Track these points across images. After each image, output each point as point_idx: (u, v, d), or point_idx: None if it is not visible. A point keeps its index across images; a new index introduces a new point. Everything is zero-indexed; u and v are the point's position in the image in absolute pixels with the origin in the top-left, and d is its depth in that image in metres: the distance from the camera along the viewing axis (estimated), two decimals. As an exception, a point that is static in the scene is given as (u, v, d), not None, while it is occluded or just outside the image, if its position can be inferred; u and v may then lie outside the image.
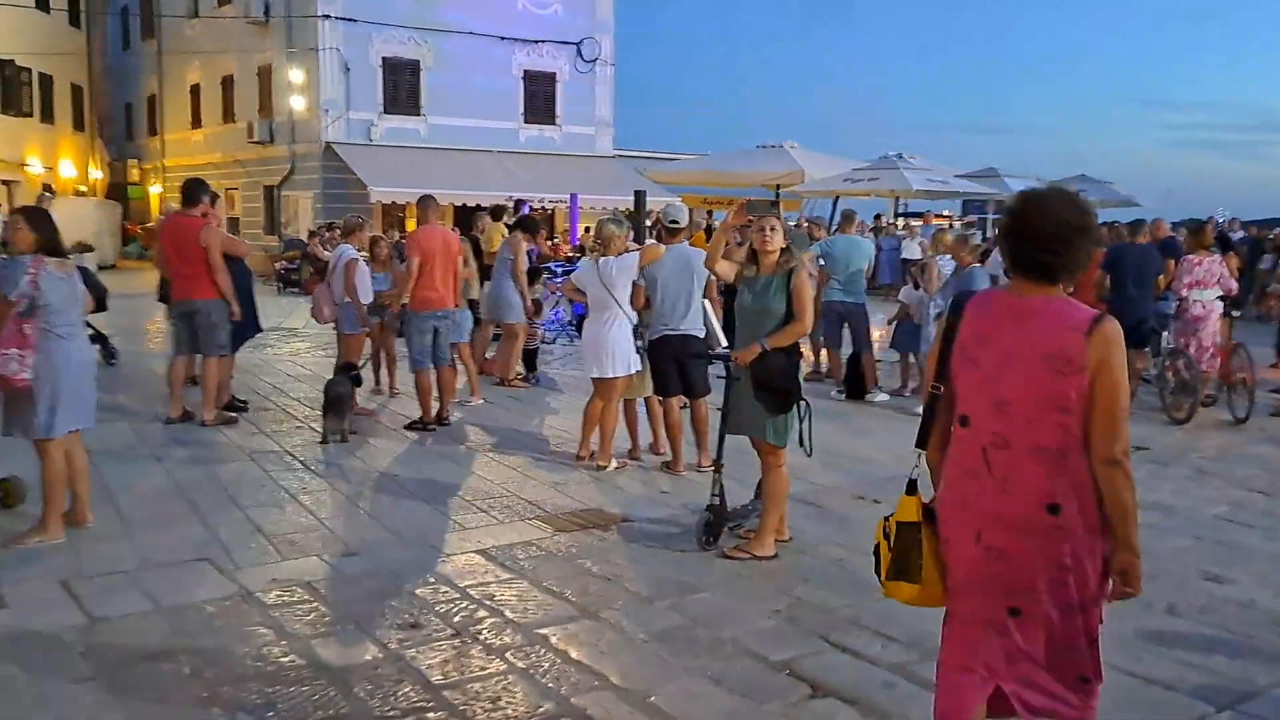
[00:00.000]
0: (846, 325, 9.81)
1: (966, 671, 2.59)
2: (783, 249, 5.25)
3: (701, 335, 6.85)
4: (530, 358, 10.80)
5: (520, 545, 5.45)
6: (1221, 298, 9.74)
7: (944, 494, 2.65)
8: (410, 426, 8.21)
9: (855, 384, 9.74)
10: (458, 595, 4.73)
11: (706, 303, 7.01)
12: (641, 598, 4.75)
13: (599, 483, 6.72)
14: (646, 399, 7.29)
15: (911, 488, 2.69)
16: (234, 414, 8.42)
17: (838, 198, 27.45)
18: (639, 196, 14.58)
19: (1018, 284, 2.54)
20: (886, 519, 2.76)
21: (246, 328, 8.58)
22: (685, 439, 7.03)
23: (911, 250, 20.31)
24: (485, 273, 10.31)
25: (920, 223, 22.64)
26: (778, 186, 24.26)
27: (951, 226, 22.44)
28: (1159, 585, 4.80)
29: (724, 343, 6.89)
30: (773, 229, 5.24)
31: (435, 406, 8.30)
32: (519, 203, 16.51)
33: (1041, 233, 2.45)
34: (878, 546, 2.76)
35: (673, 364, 6.81)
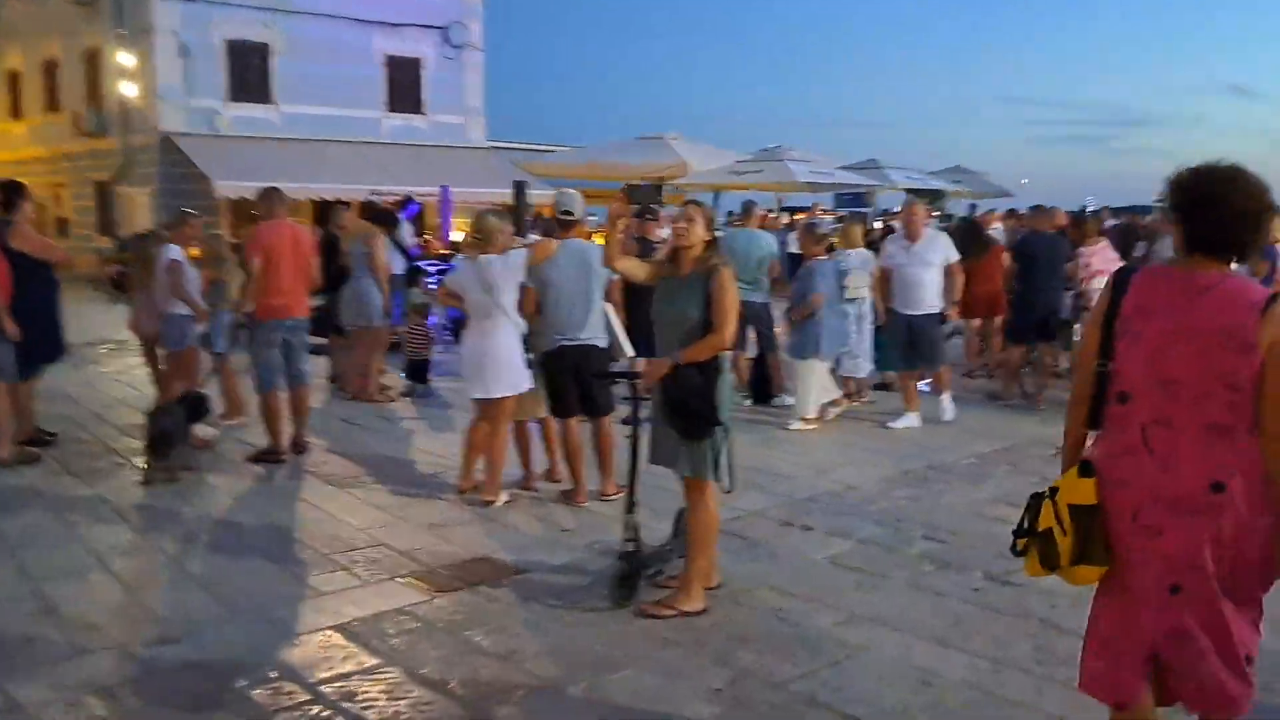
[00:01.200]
0: (749, 326, 9.04)
1: (1125, 649, 2.59)
2: (707, 244, 4.36)
3: (604, 345, 5.91)
4: (419, 369, 9.64)
5: (390, 615, 4.39)
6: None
7: (1101, 470, 2.56)
8: (257, 459, 6.98)
9: (761, 387, 9.00)
10: (307, 697, 3.65)
11: (608, 307, 6.08)
12: (548, 683, 3.78)
13: (487, 522, 5.70)
14: (542, 419, 6.31)
15: (1086, 469, 2.58)
16: (36, 449, 7.01)
17: (717, 191, 27.14)
18: (518, 187, 13.51)
19: (1192, 260, 2.50)
20: (1051, 499, 2.61)
21: (43, 348, 7.12)
22: (588, 464, 6.08)
23: (791, 244, 19.89)
24: (343, 275, 9.09)
25: (804, 217, 22.29)
26: (662, 179, 23.57)
27: (835, 218, 22.25)
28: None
29: (631, 353, 5.97)
30: (691, 220, 4.34)
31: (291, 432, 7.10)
32: (407, 199, 15.18)
33: (1241, 210, 2.44)
34: (1045, 532, 2.60)
35: (571, 379, 5.85)
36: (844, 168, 23.70)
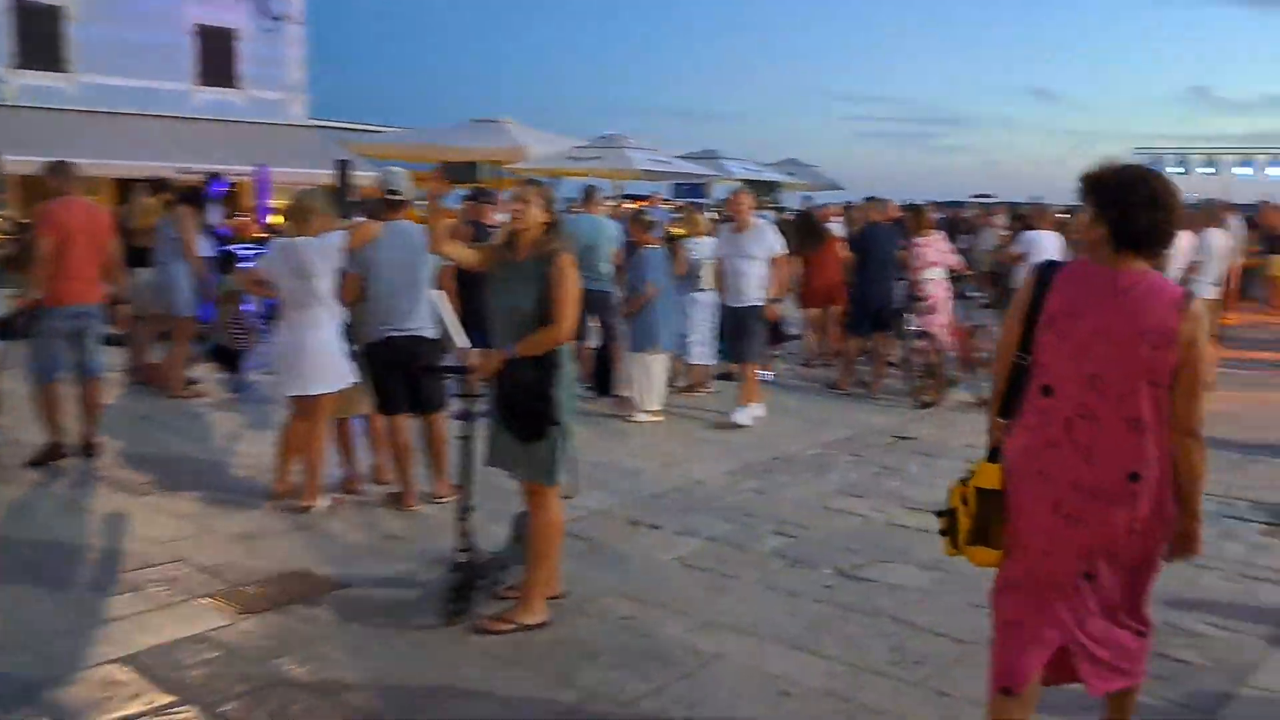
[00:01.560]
0: (593, 315, 8.74)
1: (1033, 632, 2.65)
2: (545, 227, 4.02)
3: (433, 336, 5.47)
4: (230, 357, 8.83)
5: (187, 643, 3.84)
6: (953, 277, 9.70)
7: (1019, 464, 2.63)
8: (36, 461, 6.15)
9: (604, 379, 8.72)
10: (81, 752, 3.10)
11: (438, 294, 5.63)
12: (370, 719, 3.36)
13: (304, 531, 5.17)
14: (367, 416, 5.80)
15: (994, 455, 2.69)
16: None
17: (556, 178, 26.74)
18: (341, 167, 12.72)
19: (1113, 257, 2.54)
20: (964, 483, 2.73)
21: None
22: (419, 463, 5.62)
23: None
24: (141, 258, 8.21)
25: (646, 205, 22.20)
26: (498, 163, 22.95)
27: (679, 209, 22.26)
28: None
29: (463, 344, 5.55)
30: (526, 201, 3.99)
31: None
32: (212, 177, 14.02)
33: (1165, 206, 2.50)
34: (951, 511, 2.75)
35: (398, 372, 5.38)
36: (682, 157, 23.82)
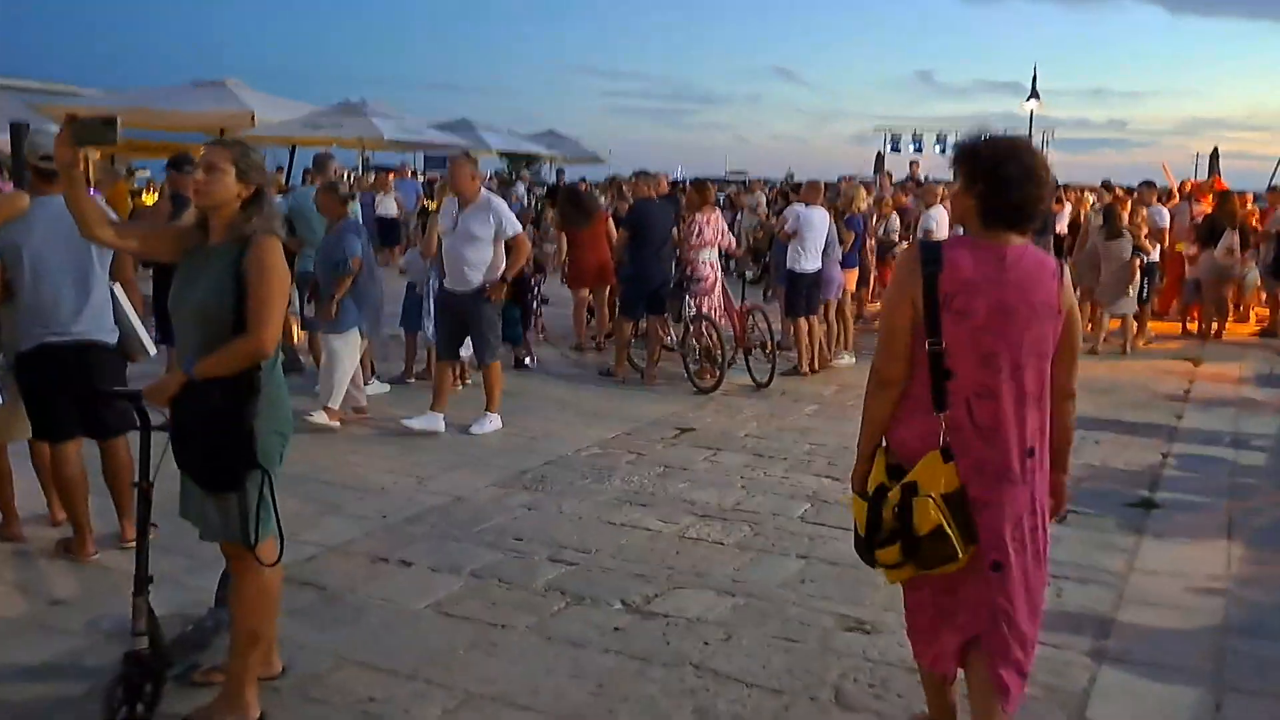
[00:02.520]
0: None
1: (951, 628, 2.61)
2: (244, 203, 3.01)
3: (110, 343, 4.29)
4: None
5: None
6: (726, 257, 9.33)
7: (921, 450, 2.51)
8: None
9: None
10: None
11: (117, 288, 4.44)
12: None
13: (-76, 609, 3.87)
14: (31, 445, 4.52)
15: (948, 454, 2.49)
16: None
17: (295, 146, 24.55)
18: (17, 130, 10.57)
19: (993, 233, 2.51)
20: (917, 493, 2.47)
21: None
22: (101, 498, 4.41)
23: (388, 207, 18.38)
24: None
25: (397, 177, 20.77)
26: (223, 130, 20.64)
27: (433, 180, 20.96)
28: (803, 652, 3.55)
29: (152, 351, 4.41)
30: (213, 168, 2.97)
31: None
32: None
33: (1038, 180, 2.48)
34: (935, 533, 2.45)
35: (62, 389, 4.16)
36: (435, 126, 22.46)
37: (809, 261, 8.80)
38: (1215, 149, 19.34)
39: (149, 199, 16.94)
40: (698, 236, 8.48)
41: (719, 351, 8.20)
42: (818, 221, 8.83)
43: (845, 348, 9.63)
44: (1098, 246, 10.30)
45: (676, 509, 5.19)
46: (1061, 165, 27.78)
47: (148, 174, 22.50)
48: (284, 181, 20.72)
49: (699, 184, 8.96)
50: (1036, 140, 35.39)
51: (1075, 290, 2.74)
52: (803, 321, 8.91)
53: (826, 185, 9.81)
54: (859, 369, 9.30)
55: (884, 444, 2.61)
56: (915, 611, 2.71)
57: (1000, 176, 2.46)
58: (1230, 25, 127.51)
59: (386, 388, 7.85)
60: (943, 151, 35.11)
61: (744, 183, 21.56)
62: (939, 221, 9.19)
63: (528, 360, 8.91)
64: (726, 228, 8.89)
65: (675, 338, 8.59)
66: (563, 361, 9.34)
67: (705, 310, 8.51)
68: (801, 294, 8.86)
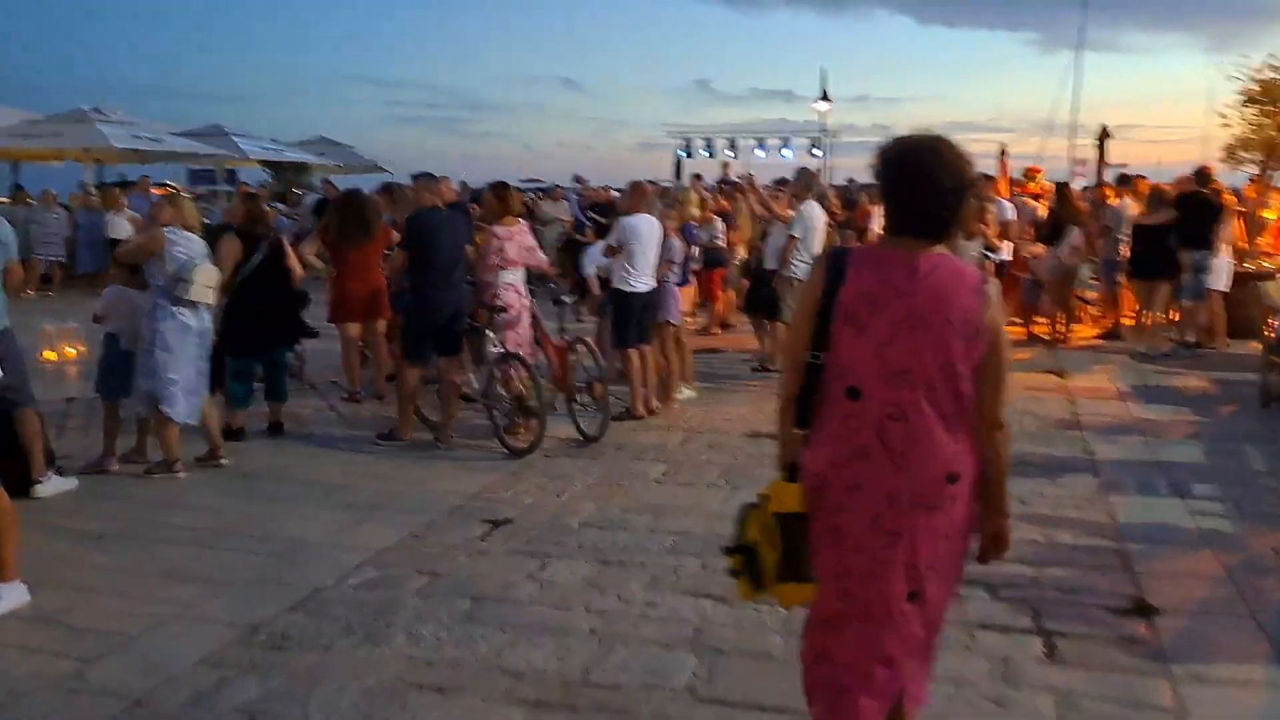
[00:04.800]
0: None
1: (862, 674, 2.36)
2: None
3: None
4: None
5: None
6: (540, 278, 7.54)
7: (828, 478, 2.31)
8: None
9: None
10: None
11: None
12: None
13: None
14: None
15: (793, 473, 2.34)
16: None
17: (18, 161, 20.82)
18: None
19: (904, 242, 2.32)
20: (754, 508, 2.37)
21: None
22: None
23: (121, 228, 15.33)
24: None
25: (132, 194, 17.59)
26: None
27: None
28: None
29: None
30: None
31: None
32: None
33: (940, 187, 2.26)
34: (749, 547, 2.34)
35: None
36: (182, 134, 19.39)
37: (640, 280, 7.14)
38: (1104, 128, 17.55)
39: None
40: (499, 254, 6.64)
41: (533, 400, 6.38)
42: (646, 232, 7.18)
43: (685, 379, 8.03)
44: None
45: (494, 691, 3.31)
46: (840, 169, 27.79)
47: None
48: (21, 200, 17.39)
49: (500, 188, 7.10)
50: (825, 144, 35.76)
51: None
52: (634, 353, 7.24)
53: (653, 185, 8.16)
54: (704, 405, 7.72)
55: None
56: (822, 667, 2.42)
57: (897, 178, 2.30)
58: (971, 34, 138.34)
59: (73, 482, 5.57)
60: (735, 156, 34.69)
61: (542, 189, 19.68)
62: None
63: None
64: (534, 243, 7.10)
65: (477, 384, 6.69)
66: (331, 420, 7.24)
67: (513, 347, 6.69)
68: (632, 319, 7.19)
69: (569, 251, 12.77)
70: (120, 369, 5.95)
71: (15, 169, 21.13)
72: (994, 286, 2.33)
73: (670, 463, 6.13)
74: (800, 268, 8.03)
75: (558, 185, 19.84)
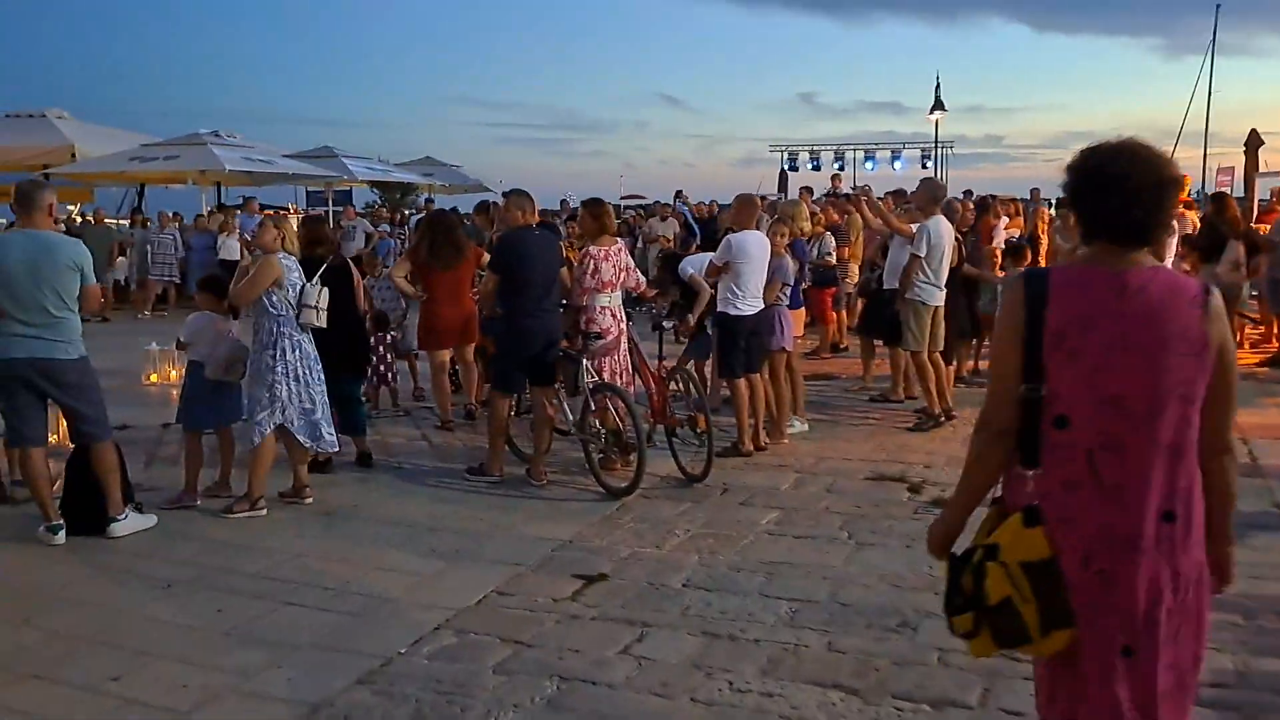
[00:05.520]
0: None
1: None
2: None
3: None
4: None
5: None
6: (638, 301, 7.03)
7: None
8: None
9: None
10: None
11: None
12: None
13: None
14: None
15: (1033, 517, 2.09)
16: None
17: (144, 185, 21.54)
18: None
19: (1106, 257, 2.10)
20: (995, 559, 2.10)
21: None
22: None
23: (230, 249, 15.54)
24: None
25: (240, 214, 17.91)
26: (45, 166, 17.58)
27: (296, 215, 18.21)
28: None
29: None
30: None
31: None
32: None
33: (1133, 184, 2.07)
34: (1003, 605, 2.07)
35: None
36: (292, 156, 19.70)
37: (747, 303, 6.56)
38: (1254, 134, 15.96)
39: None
40: (594, 276, 6.16)
41: (631, 433, 5.86)
42: (756, 250, 6.60)
43: (796, 411, 7.40)
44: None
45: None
46: (952, 180, 26.52)
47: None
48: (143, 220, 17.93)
49: (594, 205, 6.63)
50: (936, 155, 34.42)
51: None
52: (742, 383, 6.65)
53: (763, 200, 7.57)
54: (818, 440, 7.07)
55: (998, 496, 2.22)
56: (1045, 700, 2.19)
57: (1086, 183, 2.12)
58: (1091, 42, 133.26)
59: (152, 520, 5.29)
60: (842, 169, 33.74)
61: (644, 207, 19.26)
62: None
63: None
64: (632, 263, 6.60)
65: (570, 416, 6.22)
66: (422, 450, 6.87)
67: (610, 375, 6.20)
68: (739, 345, 6.61)
69: (668, 269, 12.23)
70: (203, 399, 5.69)
71: (141, 192, 21.90)
72: (1216, 297, 2.09)
73: (783, 509, 5.52)
74: (925, 290, 7.31)
75: (659, 201, 19.37)
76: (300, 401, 5.39)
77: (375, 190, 22.74)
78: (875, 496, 5.73)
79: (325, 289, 5.54)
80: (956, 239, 7.99)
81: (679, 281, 8.00)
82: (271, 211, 20.42)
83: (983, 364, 9.11)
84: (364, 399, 7.00)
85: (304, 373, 5.41)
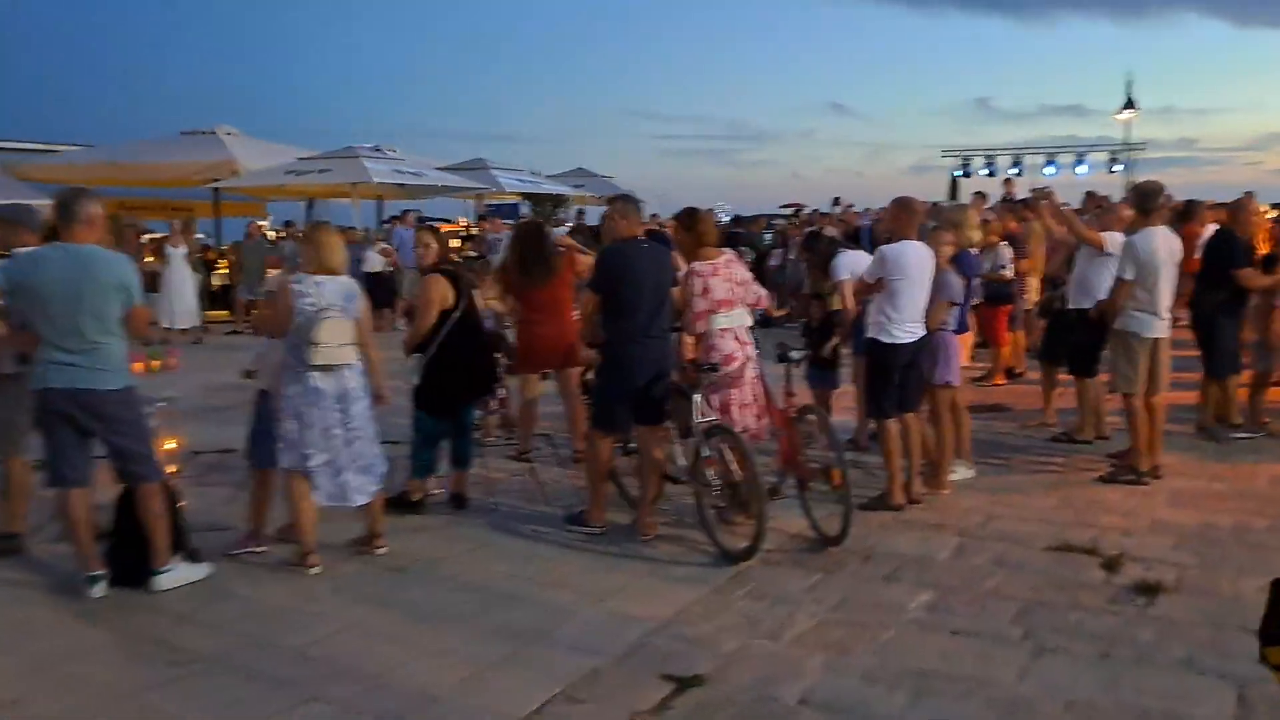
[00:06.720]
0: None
1: None
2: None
3: None
4: None
5: None
6: (764, 321, 6.03)
7: None
8: None
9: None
10: None
11: None
12: None
13: None
14: None
15: None
16: None
17: (312, 200, 22.10)
18: None
19: None
20: None
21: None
22: None
23: (373, 261, 15.46)
24: None
25: (392, 226, 17.94)
26: (213, 181, 18.17)
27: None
28: None
29: None
30: None
31: None
32: None
33: None
34: None
35: None
36: (445, 169, 19.64)
37: (904, 328, 5.47)
38: None
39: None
40: (706, 295, 5.22)
41: (751, 485, 4.87)
42: (914, 264, 5.50)
43: (961, 455, 6.21)
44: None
45: None
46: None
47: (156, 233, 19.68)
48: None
49: (687, 216, 5.62)
50: (1119, 159, 31.45)
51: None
52: (894, 424, 5.55)
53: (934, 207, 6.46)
54: (986, 492, 5.87)
55: None
56: None
57: None
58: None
59: (202, 570, 4.71)
60: (1020, 174, 31.35)
61: (795, 215, 18.06)
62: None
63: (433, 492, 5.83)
64: (751, 277, 5.60)
65: (683, 461, 5.29)
66: (525, 488, 6.11)
67: (738, 411, 5.26)
68: (892, 379, 5.53)
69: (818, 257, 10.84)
70: (271, 432, 5.10)
71: (310, 207, 22.44)
72: None
73: (938, 589, 4.41)
74: (1137, 319, 5.97)
75: (817, 210, 18.13)
76: (303, 447, 4.68)
77: (527, 202, 22.47)
78: (1059, 575, 4.54)
79: (344, 324, 4.70)
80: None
81: (818, 294, 6.97)
82: (438, 226, 20.58)
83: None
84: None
85: (309, 412, 4.68)
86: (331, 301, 4.67)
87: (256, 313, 5.01)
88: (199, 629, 4.12)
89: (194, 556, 4.74)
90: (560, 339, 6.37)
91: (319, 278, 4.72)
